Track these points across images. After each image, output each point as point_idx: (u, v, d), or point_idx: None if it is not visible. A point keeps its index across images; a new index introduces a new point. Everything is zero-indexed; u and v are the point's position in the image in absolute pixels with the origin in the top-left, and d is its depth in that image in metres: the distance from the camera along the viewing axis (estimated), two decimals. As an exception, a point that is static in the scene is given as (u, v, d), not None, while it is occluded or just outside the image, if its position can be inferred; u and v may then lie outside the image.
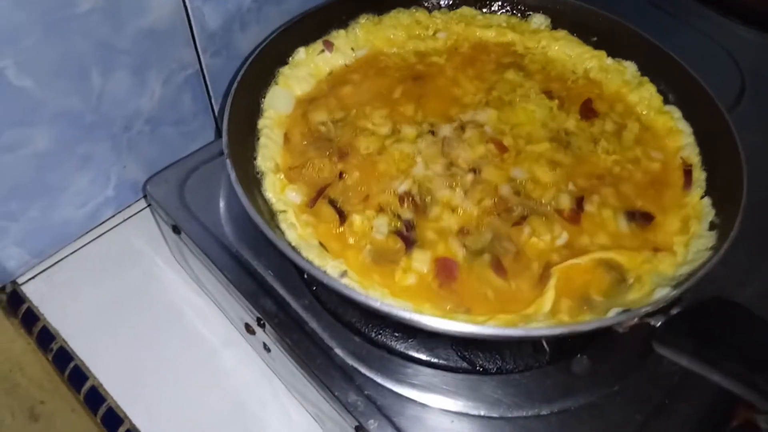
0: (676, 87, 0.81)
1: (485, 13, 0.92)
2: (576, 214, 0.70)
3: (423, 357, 0.64)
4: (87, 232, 0.87)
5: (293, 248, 0.60)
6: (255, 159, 0.70)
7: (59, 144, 0.76)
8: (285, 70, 0.79)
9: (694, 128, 0.78)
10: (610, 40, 0.86)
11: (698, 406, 0.64)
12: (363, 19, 0.86)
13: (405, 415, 0.60)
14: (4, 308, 0.84)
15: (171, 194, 0.73)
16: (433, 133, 0.76)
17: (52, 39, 0.68)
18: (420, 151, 0.74)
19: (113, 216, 0.89)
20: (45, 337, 0.80)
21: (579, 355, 0.64)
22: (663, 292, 0.59)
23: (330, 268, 0.61)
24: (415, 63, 0.86)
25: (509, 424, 0.60)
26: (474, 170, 0.73)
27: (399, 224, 0.67)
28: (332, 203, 0.68)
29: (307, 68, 0.81)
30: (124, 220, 0.89)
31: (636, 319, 0.57)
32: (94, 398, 0.75)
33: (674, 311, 0.57)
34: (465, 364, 0.64)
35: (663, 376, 0.65)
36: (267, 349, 0.71)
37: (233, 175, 0.62)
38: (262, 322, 0.66)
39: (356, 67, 0.84)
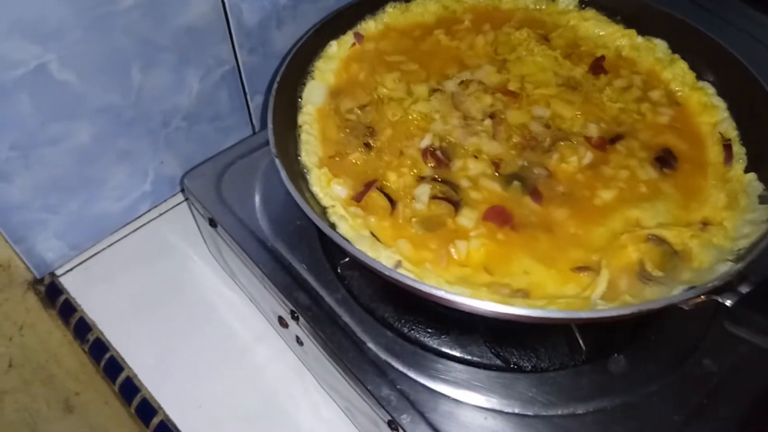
0: (709, 63, 0.80)
1: None
2: (603, 141, 0.73)
3: (456, 353, 0.64)
4: (124, 226, 0.89)
5: (347, 240, 0.60)
6: (299, 156, 0.70)
7: (99, 138, 0.77)
8: (320, 64, 0.79)
9: (729, 103, 0.77)
10: (636, 20, 0.85)
11: (738, 408, 0.62)
12: (390, 8, 0.86)
13: (438, 410, 0.60)
14: (43, 299, 0.85)
15: (208, 188, 0.74)
16: (440, 90, 0.77)
17: (95, 35, 0.69)
18: (437, 109, 0.75)
19: (149, 210, 0.90)
20: (82, 328, 0.81)
21: (616, 355, 0.63)
22: (725, 267, 0.58)
23: (384, 258, 0.61)
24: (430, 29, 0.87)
25: (544, 423, 0.59)
26: (492, 115, 0.75)
27: (438, 188, 0.68)
28: (382, 191, 0.68)
29: (339, 60, 0.81)
30: (160, 215, 0.90)
31: (703, 297, 0.55)
32: (129, 389, 0.76)
33: (744, 289, 0.55)
34: (498, 362, 0.64)
35: (702, 377, 0.63)
36: (300, 342, 0.71)
37: (284, 174, 0.61)
38: (295, 315, 0.66)
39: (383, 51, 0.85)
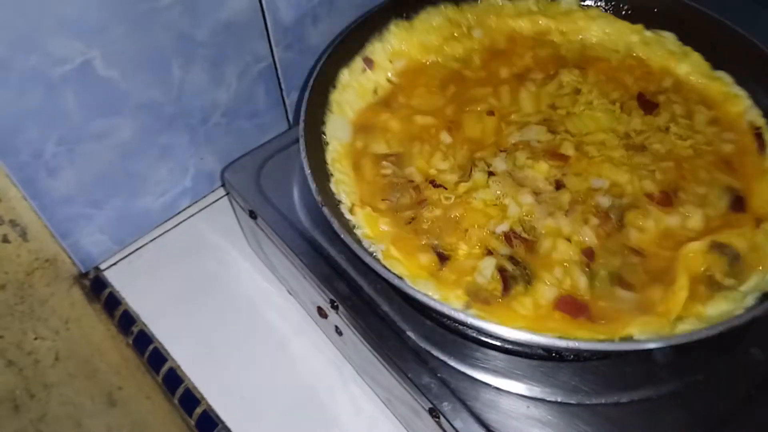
0: (722, 52, 0.79)
1: (513, 0, 0.88)
2: (666, 196, 0.68)
3: (496, 342, 0.64)
4: (165, 221, 0.90)
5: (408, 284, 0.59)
6: (339, 199, 0.68)
7: (142, 134, 0.79)
8: (336, 97, 0.77)
9: (750, 91, 0.76)
10: (642, 13, 0.84)
11: (788, 399, 0.61)
12: (393, 26, 0.82)
13: (480, 399, 0.60)
14: (87, 294, 0.88)
15: (248, 181, 0.75)
16: (491, 173, 0.71)
17: (136, 31, 0.71)
18: (503, 193, 0.69)
19: (190, 206, 0.92)
20: (126, 321, 0.83)
21: (661, 343, 0.62)
22: None
23: (454, 300, 0.61)
24: (457, 74, 0.82)
25: (587, 411, 0.59)
26: (557, 183, 0.70)
27: (506, 264, 0.64)
28: (432, 247, 0.66)
29: (353, 90, 0.79)
30: (200, 210, 0.92)
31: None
32: (173, 380, 0.78)
33: None
34: (540, 351, 0.63)
35: (750, 366, 0.62)
36: (339, 332, 0.71)
37: (337, 226, 0.61)
38: (335, 304, 0.67)
39: (400, 86, 0.81)
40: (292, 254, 0.69)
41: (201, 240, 0.89)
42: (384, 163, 0.73)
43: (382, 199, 0.70)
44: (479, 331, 0.60)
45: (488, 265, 0.63)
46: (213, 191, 0.93)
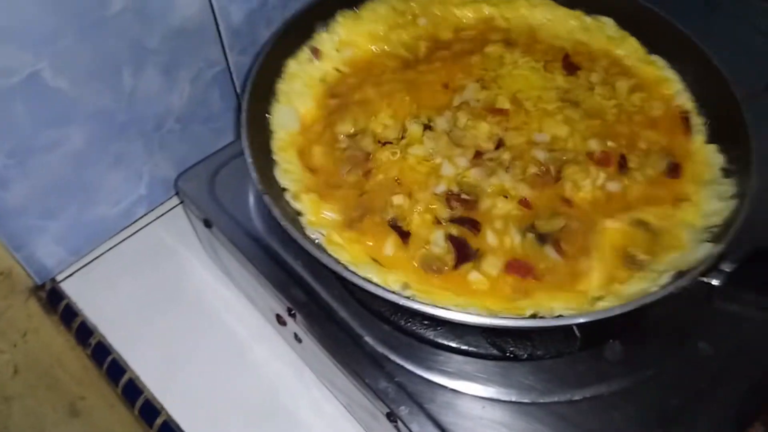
0: (657, 38, 0.81)
1: None
2: (606, 156, 0.71)
3: (452, 344, 0.64)
4: (121, 230, 0.89)
5: (349, 269, 0.60)
6: (284, 187, 0.69)
7: (94, 143, 0.78)
8: (283, 87, 0.77)
9: (682, 75, 0.79)
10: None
11: (736, 390, 0.62)
12: (341, 17, 0.83)
13: (436, 401, 0.60)
14: (44, 305, 0.86)
15: (202, 189, 0.75)
16: (430, 127, 0.74)
17: (85, 40, 0.69)
18: (435, 150, 0.72)
19: (146, 214, 0.91)
20: (84, 332, 0.82)
21: (611, 341, 0.64)
22: (706, 248, 0.60)
23: (391, 282, 0.61)
24: (405, 60, 0.84)
25: (541, 410, 0.60)
26: (499, 142, 0.73)
27: (454, 231, 0.66)
28: (392, 224, 0.67)
29: (301, 80, 0.79)
30: (157, 218, 0.91)
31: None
32: (132, 391, 0.77)
33: (727, 267, 0.57)
34: (495, 351, 0.64)
35: (698, 361, 0.64)
36: (298, 339, 0.71)
37: (278, 213, 0.61)
38: (292, 312, 0.67)
39: (350, 72, 0.82)
40: (248, 262, 0.69)
41: (158, 248, 0.88)
42: (341, 137, 0.74)
43: (331, 181, 0.71)
44: (412, 312, 0.61)
45: (440, 236, 0.65)
46: (170, 198, 0.92)
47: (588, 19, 0.85)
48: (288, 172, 0.70)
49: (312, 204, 0.68)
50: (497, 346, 0.64)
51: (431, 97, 0.78)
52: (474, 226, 0.66)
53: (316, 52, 0.81)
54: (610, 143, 0.72)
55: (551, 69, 0.81)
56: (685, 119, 0.75)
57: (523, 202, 0.68)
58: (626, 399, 0.61)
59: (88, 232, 0.85)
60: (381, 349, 0.63)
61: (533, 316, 0.58)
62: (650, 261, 0.62)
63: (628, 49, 0.83)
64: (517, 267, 0.63)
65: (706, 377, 0.63)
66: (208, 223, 0.73)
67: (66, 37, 0.68)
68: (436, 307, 0.56)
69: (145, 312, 0.82)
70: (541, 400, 0.60)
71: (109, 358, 0.79)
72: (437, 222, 0.66)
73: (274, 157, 0.71)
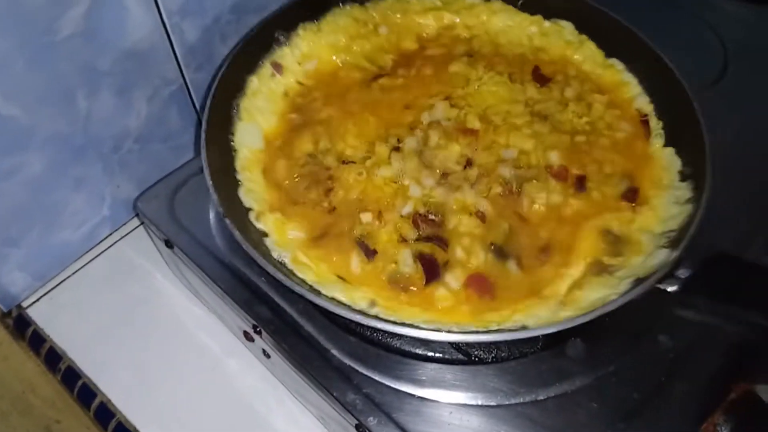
0: (614, 41, 0.82)
1: None
2: (564, 170, 0.72)
3: (419, 351, 0.65)
4: (86, 252, 0.89)
5: (314, 289, 0.61)
6: (249, 207, 0.69)
7: (52, 168, 0.77)
8: (244, 103, 0.76)
9: (639, 78, 0.80)
10: (539, 4, 0.87)
11: (696, 382, 0.64)
12: (301, 30, 0.83)
13: (404, 410, 0.61)
14: (12, 332, 0.85)
15: (161, 209, 0.74)
16: (398, 148, 0.74)
17: (36, 66, 0.69)
18: (403, 171, 0.72)
19: (110, 234, 0.90)
20: (53, 358, 0.81)
21: (573, 338, 0.65)
22: (663, 255, 0.61)
23: (358, 299, 0.62)
24: (369, 72, 0.84)
25: (507, 412, 0.61)
26: (468, 162, 0.73)
27: (423, 249, 0.66)
28: (358, 242, 0.67)
29: (263, 96, 0.79)
30: (122, 238, 0.90)
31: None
32: (104, 414, 0.77)
33: (683, 274, 0.58)
34: (460, 356, 0.65)
35: (658, 354, 0.65)
36: (267, 355, 0.72)
37: (239, 236, 0.62)
38: (258, 329, 0.67)
39: (313, 86, 0.82)
40: (211, 282, 0.69)
41: (124, 268, 0.87)
42: (302, 155, 0.74)
43: (295, 197, 0.71)
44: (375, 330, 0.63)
45: (407, 255, 0.66)
46: (133, 218, 0.92)
47: (547, 24, 0.86)
48: (252, 191, 0.70)
49: (276, 224, 0.68)
50: (462, 351, 0.65)
51: (397, 116, 0.78)
52: (442, 242, 0.67)
53: (278, 68, 0.80)
54: (570, 161, 0.73)
55: (519, 80, 0.81)
56: (644, 122, 0.77)
57: (479, 215, 0.69)
58: (590, 396, 0.62)
59: (52, 256, 0.85)
60: (348, 361, 0.64)
61: (498, 329, 0.60)
62: (619, 266, 0.64)
63: (586, 53, 0.84)
64: (478, 282, 0.64)
65: (667, 370, 0.64)
66: (169, 244, 0.73)
67: (15, 64, 0.67)
68: (404, 325, 0.58)
69: (114, 333, 0.82)
70: (507, 402, 0.61)
71: (80, 383, 0.79)
72: (403, 240, 0.67)
73: (238, 176, 0.71)
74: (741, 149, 0.81)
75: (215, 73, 0.75)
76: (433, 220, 0.68)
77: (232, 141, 0.73)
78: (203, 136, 0.68)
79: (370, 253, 0.67)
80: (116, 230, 0.91)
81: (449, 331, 0.58)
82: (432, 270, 0.65)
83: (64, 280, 0.87)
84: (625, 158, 0.75)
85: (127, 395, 0.78)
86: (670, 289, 0.58)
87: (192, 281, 0.77)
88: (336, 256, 0.67)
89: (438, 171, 0.72)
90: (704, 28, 0.98)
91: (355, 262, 0.66)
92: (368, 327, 0.66)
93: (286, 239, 0.67)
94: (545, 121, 0.77)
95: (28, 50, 0.67)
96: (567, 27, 0.86)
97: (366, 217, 0.68)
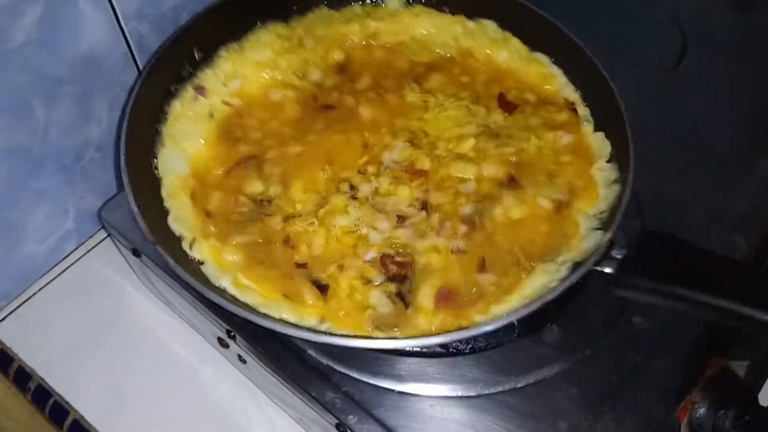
0: (536, 36, 0.83)
1: (339, 9, 0.88)
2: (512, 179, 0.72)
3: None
4: (52, 267, 0.86)
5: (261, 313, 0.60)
6: (180, 235, 0.66)
7: (12, 182, 0.75)
8: (167, 129, 0.73)
9: (564, 69, 0.81)
10: (465, 4, 0.87)
11: (672, 361, 0.65)
12: (224, 52, 0.80)
13: (384, 405, 0.61)
14: (-22, 354, 0.83)
15: (127, 218, 0.72)
16: (355, 197, 0.71)
17: (-11, 77, 0.67)
18: (360, 219, 0.69)
19: (77, 248, 0.88)
20: (22, 378, 0.79)
21: (549, 325, 0.65)
22: (597, 237, 0.62)
23: (307, 316, 0.61)
24: (303, 90, 0.80)
25: (487, 401, 0.61)
26: (424, 205, 0.70)
27: (393, 288, 0.64)
28: (310, 278, 0.65)
29: (187, 119, 0.75)
30: (89, 251, 0.88)
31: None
32: None
33: (617, 254, 0.59)
34: (438, 348, 0.65)
35: (633, 336, 0.66)
36: (242, 360, 0.71)
37: (171, 261, 0.60)
38: (232, 334, 0.66)
39: (242, 106, 0.78)
40: (182, 288, 0.68)
41: (93, 281, 0.85)
42: (241, 199, 0.71)
43: (231, 228, 0.68)
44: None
45: (380, 296, 0.63)
46: (99, 229, 0.89)
47: (470, 24, 0.86)
48: (181, 219, 0.67)
49: (211, 250, 0.65)
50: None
51: (349, 157, 0.75)
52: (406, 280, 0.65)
53: (200, 90, 0.77)
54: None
55: (483, 103, 0.80)
56: (573, 110, 0.78)
57: (456, 251, 0.67)
58: (569, 380, 0.62)
59: (16, 273, 0.82)
60: (325, 360, 0.63)
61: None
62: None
63: (512, 49, 0.83)
64: (446, 296, 0.64)
65: (643, 351, 0.65)
66: (137, 253, 0.71)
67: (-33, 76, 0.65)
68: (356, 337, 0.59)
69: (84, 349, 0.80)
70: (487, 392, 0.61)
71: (51, 401, 0.77)
72: (368, 283, 0.64)
73: (165, 204, 0.68)
74: (694, 134, 0.83)
75: (126, 98, 0.72)
76: (401, 262, 0.66)
77: (156, 168, 0.70)
78: (123, 166, 0.65)
79: (322, 289, 0.64)
80: (83, 243, 0.88)
81: (394, 338, 0.59)
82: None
83: (31, 296, 0.84)
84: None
85: (100, 411, 0.76)
86: (607, 270, 0.59)
87: (162, 290, 0.75)
88: (281, 280, 0.64)
89: (393, 215, 0.69)
90: (663, 14, 0.99)
91: (309, 297, 0.64)
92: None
93: (223, 263, 0.65)
94: (496, 138, 0.76)
95: (-20, 60, 0.66)
96: (490, 25, 0.85)
97: (330, 269, 0.66)
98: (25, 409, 0.90)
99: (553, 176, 0.72)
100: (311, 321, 0.61)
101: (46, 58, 0.71)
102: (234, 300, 0.60)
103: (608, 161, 0.71)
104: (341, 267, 0.65)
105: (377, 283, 0.64)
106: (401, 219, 0.69)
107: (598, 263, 0.59)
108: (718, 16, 1.02)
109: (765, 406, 0.62)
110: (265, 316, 0.59)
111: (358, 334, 0.59)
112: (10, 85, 0.69)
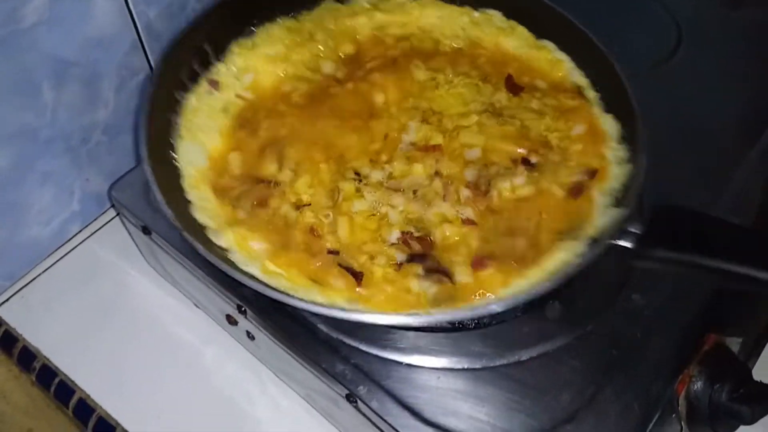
0: (542, 25, 0.85)
1: (346, 2, 0.89)
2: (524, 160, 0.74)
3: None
4: (57, 249, 0.87)
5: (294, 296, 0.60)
6: (203, 224, 0.67)
7: (18, 163, 0.76)
8: (184, 122, 0.74)
9: (570, 55, 0.83)
10: None
11: (670, 337, 0.67)
12: (236, 47, 0.81)
13: (392, 377, 0.62)
14: (-19, 336, 0.83)
15: (137, 196, 0.73)
16: (360, 180, 0.72)
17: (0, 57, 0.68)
18: (378, 201, 0.70)
19: (81, 230, 0.89)
20: (26, 357, 0.79)
21: (551, 302, 0.67)
22: (614, 213, 0.64)
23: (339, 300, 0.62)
24: (315, 82, 0.81)
25: (492, 373, 0.62)
26: (437, 174, 0.72)
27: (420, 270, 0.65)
28: (343, 266, 0.65)
29: (203, 113, 0.76)
30: (93, 233, 0.89)
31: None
32: (84, 410, 0.75)
33: (637, 229, 0.61)
34: (445, 324, 0.66)
35: (633, 312, 0.68)
36: (251, 337, 0.72)
37: (202, 249, 0.60)
38: (243, 309, 0.67)
39: (255, 99, 0.79)
40: (192, 265, 0.69)
41: (97, 263, 0.86)
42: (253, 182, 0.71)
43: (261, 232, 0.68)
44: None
45: (419, 281, 0.64)
46: (104, 212, 0.90)
47: (476, 14, 0.88)
48: (204, 209, 0.68)
49: (237, 238, 0.65)
50: (446, 318, 0.66)
51: (362, 144, 0.75)
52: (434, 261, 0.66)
53: (214, 84, 0.78)
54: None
55: (492, 82, 0.81)
56: (581, 94, 0.80)
57: (467, 222, 0.68)
58: (570, 354, 0.64)
59: (21, 254, 0.83)
60: (335, 334, 0.64)
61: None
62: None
63: (519, 38, 0.85)
64: (480, 261, 0.65)
65: (641, 327, 0.67)
66: (146, 230, 0.72)
67: (-22, 55, 0.66)
68: (385, 314, 0.60)
69: (88, 330, 0.81)
70: (492, 365, 0.63)
71: (56, 380, 0.77)
72: (399, 267, 0.65)
73: (187, 195, 0.69)
74: (692, 122, 0.86)
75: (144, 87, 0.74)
76: (420, 237, 0.67)
77: (176, 161, 0.71)
78: (146, 158, 0.66)
79: (356, 275, 0.64)
80: (87, 226, 0.89)
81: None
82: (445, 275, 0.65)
83: (35, 278, 0.85)
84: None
85: (105, 391, 0.76)
86: (628, 244, 0.61)
87: (170, 269, 0.76)
88: (309, 265, 0.65)
89: (409, 191, 0.71)
90: (658, 6, 1.01)
91: (340, 283, 0.64)
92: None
93: (250, 251, 0.65)
94: (499, 116, 0.77)
95: (-9, 40, 0.66)
96: (495, 15, 0.87)
97: (361, 259, 0.66)
98: (25, 393, 0.90)
99: (566, 159, 0.73)
100: (342, 304, 0.62)
101: (56, 39, 0.72)
102: (252, 277, 0.61)
103: (619, 142, 0.73)
104: (372, 257, 0.66)
105: (402, 263, 0.65)
106: (415, 192, 0.70)
107: (616, 238, 0.61)
108: (714, 8, 1.05)
109: (758, 380, 0.64)
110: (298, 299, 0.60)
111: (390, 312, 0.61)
112: (20, 65, 0.70)
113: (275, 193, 0.70)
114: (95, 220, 0.90)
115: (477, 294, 0.63)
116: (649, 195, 0.65)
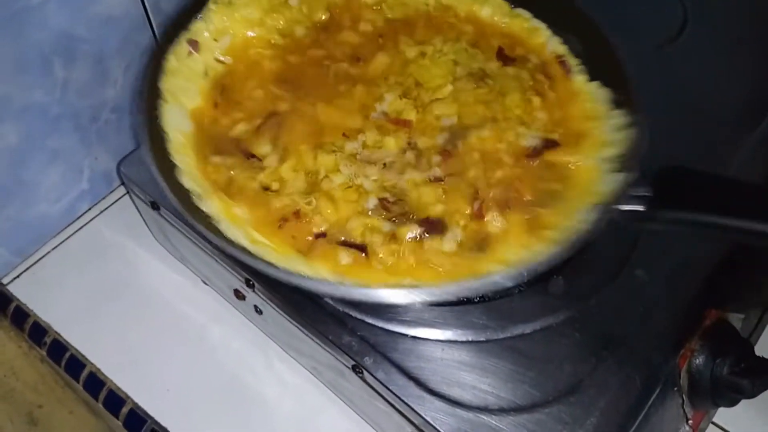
0: None
1: None
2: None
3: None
4: (66, 227, 0.88)
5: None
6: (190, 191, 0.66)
7: (28, 140, 0.77)
8: (165, 85, 0.72)
9: (547, 23, 0.82)
10: None
11: (673, 310, 0.68)
12: (212, 4, 0.79)
13: (398, 349, 0.63)
14: (-8, 311, 0.84)
15: (145, 172, 0.73)
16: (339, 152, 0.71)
17: (10, 33, 0.68)
18: (354, 173, 0.69)
19: (90, 209, 0.90)
20: (37, 332, 0.80)
21: (554, 277, 0.67)
22: (619, 178, 0.64)
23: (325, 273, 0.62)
24: (285, 50, 0.80)
25: (496, 346, 0.63)
26: (410, 145, 0.72)
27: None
28: (346, 243, 0.64)
29: (182, 75, 0.75)
30: (101, 212, 0.90)
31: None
32: (94, 384, 0.77)
33: (646, 192, 0.61)
34: (452, 297, 0.67)
35: (636, 287, 0.68)
36: (259, 311, 0.73)
37: (190, 218, 0.61)
38: (251, 282, 0.68)
39: (234, 68, 0.78)
40: (201, 239, 0.70)
41: (105, 241, 0.87)
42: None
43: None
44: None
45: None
46: (113, 191, 0.91)
47: None
48: (189, 174, 0.67)
49: (222, 205, 0.65)
50: (450, 293, 0.67)
51: (339, 120, 0.75)
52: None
53: (194, 44, 0.77)
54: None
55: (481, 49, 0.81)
56: (562, 62, 0.79)
57: (435, 180, 0.69)
58: (573, 327, 0.65)
59: (31, 231, 0.84)
60: (342, 307, 0.65)
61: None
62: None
63: (493, 5, 0.85)
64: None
65: (644, 301, 0.67)
66: (155, 206, 0.73)
67: (-13, 32, 0.67)
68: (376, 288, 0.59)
69: (98, 306, 0.82)
70: (496, 337, 0.64)
71: (67, 355, 0.78)
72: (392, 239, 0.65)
73: (174, 160, 0.68)
74: (696, 103, 0.86)
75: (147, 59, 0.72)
76: (397, 201, 0.67)
77: (161, 124, 0.70)
78: (141, 124, 0.66)
79: (363, 250, 0.64)
80: (96, 204, 0.90)
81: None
82: (435, 227, 0.65)
83: (45, 255, 0.86)
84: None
85: (115, 366, 0.77)
86: (638, 208, 0.61)
87: (179, 245, 0.77)
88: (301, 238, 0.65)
89: (380, 163, 0.71)
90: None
91: (345, 258, 0.64)
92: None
93: (235, 218, 0.65)
94: (481, 81, 0.77)
95: (1, 16, 0.67)
96: None
97: (356, 233, 0.66)
98: (34, 370, 0.91)
99: (534, 120, 0.74)
100: (328, 276, 0.61)
101: (66, 15, 0.73)
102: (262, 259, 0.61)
103: (613, 109, 0.73)
104: (363, 232, 0.65)
105: (387, 229, 0.65)
106: (385, 165, 0.70)
107: (625, 203, 0.61)
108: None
109: (759, 355, 0.65)
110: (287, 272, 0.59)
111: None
112: (30, 42, 0.71)
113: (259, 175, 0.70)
114: (104, 198, 0.91)
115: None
116: (653, 166, 0.65)
